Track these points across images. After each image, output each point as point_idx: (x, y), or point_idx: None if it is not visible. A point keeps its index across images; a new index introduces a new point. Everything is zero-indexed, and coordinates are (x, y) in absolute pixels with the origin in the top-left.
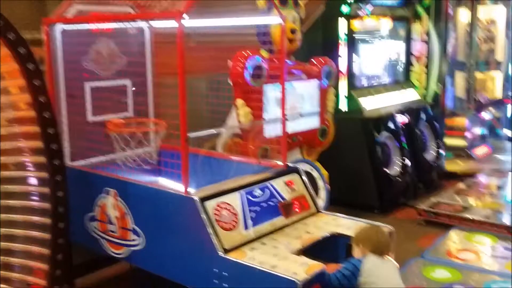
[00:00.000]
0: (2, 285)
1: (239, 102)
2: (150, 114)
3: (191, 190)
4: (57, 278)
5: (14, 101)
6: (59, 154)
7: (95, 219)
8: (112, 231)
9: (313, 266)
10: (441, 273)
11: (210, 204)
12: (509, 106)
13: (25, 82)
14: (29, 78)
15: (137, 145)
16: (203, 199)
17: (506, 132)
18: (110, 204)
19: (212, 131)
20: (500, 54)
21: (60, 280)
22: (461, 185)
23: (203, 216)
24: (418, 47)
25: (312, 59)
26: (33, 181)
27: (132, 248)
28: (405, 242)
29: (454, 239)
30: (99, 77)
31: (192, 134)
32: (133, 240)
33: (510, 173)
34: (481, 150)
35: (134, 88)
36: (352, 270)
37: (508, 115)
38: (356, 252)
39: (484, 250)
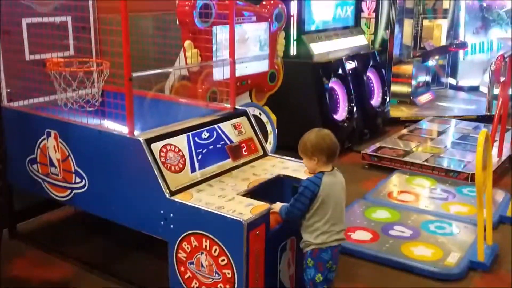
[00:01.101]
0: None
1: (187, 43)
2: (93, 53)
3: (137, 132)
4: None
5: None
6: None
7: (36, 162)
8: (54, 174)
9: (259, 207)
10: (381, 214)
11: (156, 146)
12: (452, 54)
13: None
14: None
15: (79, 85)
16: (149, 141)
17: (449, 79)
18: (52, 146)
19: (158, 71)
20: (446, 2)
21: (0, 224)
22: (404, 131)
23: (149, 157)
24: None
25: (262, 1)
26: None
27: (76, 191)
28: (349, 185)
29: (395, 182)
30: (37, 13)
31: (136, 74)
32: (77, 182)
33: (452, 119)
34: (424, 97)
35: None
36: (307, 185)
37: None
38: (310, 163)
39: (423, 192)
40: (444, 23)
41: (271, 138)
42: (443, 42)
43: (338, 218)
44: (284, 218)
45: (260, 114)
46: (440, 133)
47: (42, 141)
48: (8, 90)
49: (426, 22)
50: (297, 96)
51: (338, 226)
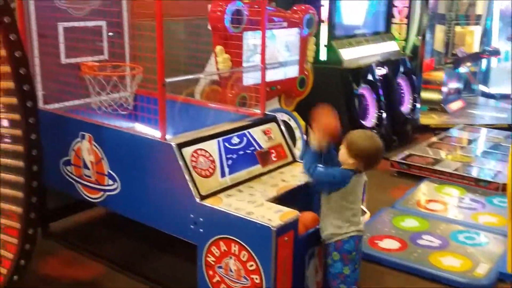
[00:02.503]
0: None
1: (218, 48)
2: (126, 58)
3: (168, 136)
4: (31, 221)
5: None
6: (32, 96)
7: (70, 164)
8: (88, 176)
9: (288, 213)
10: (410, 223)
11: (187, 151)
12: (485, 61)
13: None
14: None
15: (112, 89)
16: (180, 145)
17: (480, 87)
18: (85, 148)
19: (190, 77)
20: (480, 8)
21: (34, 223)
22: (434, 138)
23: (180, 162)
24: None
25: (293, 7)
26: (4, 123)
27: (108, 193)
28: (377, 192)
29: (424, 190)
30: (72, 17)
31: (170, 79)
32: (109, 185)
33: (482, 128)
34: (455, 104)
35: (110, 34)
36: (337, 174)
37: (484, 70)
38: (345, 157)
39: (452, 202)
40: (477, 30)
41: (299, 144)
42: (475, 48)
43: (357, 210)
44: (311, 173)
45: (289, 119)
46: (470, 142)
47: (76, 143)
48: (43, 92)
49: (458, 28)
50: (326, 101)
51: (357, 218)
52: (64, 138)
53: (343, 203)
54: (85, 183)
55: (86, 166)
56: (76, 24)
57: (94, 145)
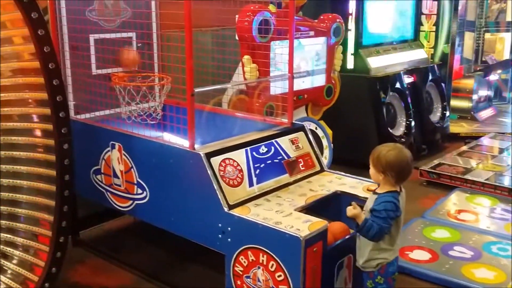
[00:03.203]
0: (8, 235)
1: (246, 58)
2: (155, 68)
3: (197, 145)
4: (62, 229)
5: (18, 51)
6: (64, 106)
7: (100, 173)
8: (117, 185)
9: (317, 223)
10: (441, 233)
11: (216, 160)
12: None
13: (29, 32)
14: (33, 27)
15: (142, 99)
16: (209, 155)
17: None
18: (115, 158)
19: (218, 87)
20: (510, 14)
21: (65, 231)
22: (464, 147)
23: (209, 171)
24: (428, 5)
25: (320, 16)
26: (38, 132)
27: (137, 202)
28: (407, 202)
29: (455, 200)
30: (103, 29)
31: (198, 89)
32: (138, 194)
33: None
34: (485, 113)
35: (139, 44)
36: (393, 208)
37: None
38: (376, 176)
39: (484, 212)
40: (507, 36)
41: (326, 153)
42: (506, 55)
43: (400, 230)
44: (371, 237)
45: (316, 128)
46: (502, 150)
47: (106, 153)
48: (74, 102)
49: (488, 35)
50: (353, 110)
51: (399, 239)
52: (94, 148)
53: (394, 229)
54: (115, 191)
55: (116, 175)
56: (107, 35)
57: (124, 154)
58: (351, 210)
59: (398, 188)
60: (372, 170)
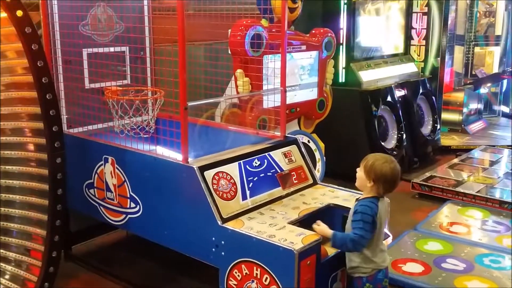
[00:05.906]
0: (1, 250)
1: (238, 71)
2: (148, 82)
3: (190, 159)
4: (55, 244)
5: (11, 65)
6: (57, 120)
7: (93, 187)
8: (110, 199)
9: (310, 236)
10: (433, 246)
11: (209, 174)
12: (505, 81)
13: (22, 46)
14: (27, 42)
15: (135, 113)
16: (202, 168)
17: (501, 107)
18: (108, 171)
19: (211, 100)
20: (499, 28)
21: (57, 246)
22: (455, 160)
23: (202, 185)
24: (418, 20)
25: (312, 30)
26: (30, 147)
27: (130, 216)
28: (399, 215)
29: (447, 212)
30: (96, 43)
31: (191, 103)
32: (131, 208)
33: (505, 149)
34: (476, 125)
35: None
36: (367, 211)
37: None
38: (364, 182)
39: (476, 224)
40: (496, 50)
41: (319, 165)
42: (495, 69)
43: (382, 236)
44: (351, 249)
45: (308, 141)
46: (492, 163)
47: (99, 167)
48: (67, 116)
49: (477, 49)
50: (345, 123)
51: (383, 245)
52: (87, 162)
53: (375, 234)
54: (108, 205)
55: (108, 189)
56: (100, 50)
57: (117, 168)
58: (316, 228)
59: (380, 195)
60: (361, 175)
